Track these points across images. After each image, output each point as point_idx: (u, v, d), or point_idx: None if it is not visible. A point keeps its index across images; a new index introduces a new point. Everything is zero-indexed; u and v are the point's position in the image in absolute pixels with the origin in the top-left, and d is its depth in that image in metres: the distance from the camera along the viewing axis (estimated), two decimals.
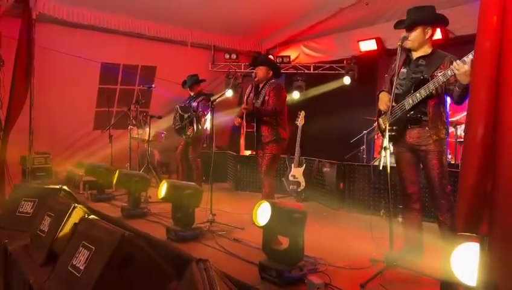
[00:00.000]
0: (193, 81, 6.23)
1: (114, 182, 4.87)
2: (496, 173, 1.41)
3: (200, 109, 5.96)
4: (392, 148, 3.03)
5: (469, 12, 3.14)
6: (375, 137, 7.02)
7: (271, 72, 4.56)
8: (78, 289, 2.33)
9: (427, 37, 3.13)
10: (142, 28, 7.06)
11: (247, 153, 7.41)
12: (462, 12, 3.34)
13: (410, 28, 3.12)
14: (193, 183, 4.22)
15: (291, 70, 8.21)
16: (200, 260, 1.98)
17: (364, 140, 6.99)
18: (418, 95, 3.05)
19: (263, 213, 2.74)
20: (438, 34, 4.70)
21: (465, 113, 5.42)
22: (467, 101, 3.08)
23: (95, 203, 5.31)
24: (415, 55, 3.23)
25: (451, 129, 5.62)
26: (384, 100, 3.32)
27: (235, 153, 7.57)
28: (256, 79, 4.54)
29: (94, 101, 7.35)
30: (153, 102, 7.87)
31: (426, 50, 3.17)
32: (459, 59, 2.82)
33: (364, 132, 6.97)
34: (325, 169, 5.72)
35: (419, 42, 3.14)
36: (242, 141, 8.12)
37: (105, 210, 4.91)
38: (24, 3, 5.70)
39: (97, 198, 5.49)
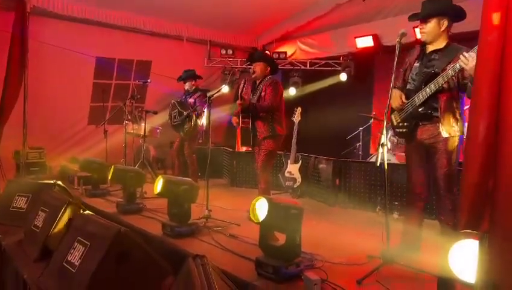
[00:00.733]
0: (189, 75, 6.19)
1: (109, 177, 4.83)
2: (497, 171, 1.40)
3: (198, 104, 5.93)
4: (389, 144, 2.99)
5: (472, 8, 3.09)
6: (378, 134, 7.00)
7: (269, 68, 4.53)
8: (73, 284, 2.30)
9: (442, 29, 3.00)
10: (137, 22, 7.01)
11: (243, 149, 7.39)
12: (465, 8, 3.32)
13: (424, 20, 3.01)
14: (189, 179, 4.20)
15: (288, 67, 8.20)
16: (197, 255, 1.97)
17: (360, 136, 7.00)
18: (427, 90, 2.95)
19: (260, 209, 2.73)
20: None
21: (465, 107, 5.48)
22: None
23: (89, 199, 5.27)
24: (429, 48, 3.11)
25: None
26: (395, 96, 3.19)
27: (231, 149, 7.55)
28: (253, 75, 4.51)
29: (89, 96, 7.31)
30: (148, 97, 7.83)
31: (441, 43, 3.05)
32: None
33: (360, 128, 6.98)
34: (321, 165, 5.71)
35: (434, 34, 3.02)
36: (238, 137, 8.11)
37: (100, 206, 4.88)
38: None
39: (92, 193, 5.45)
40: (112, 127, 6.83)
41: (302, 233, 2.76)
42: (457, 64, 2.75)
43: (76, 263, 2.38)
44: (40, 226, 3.16)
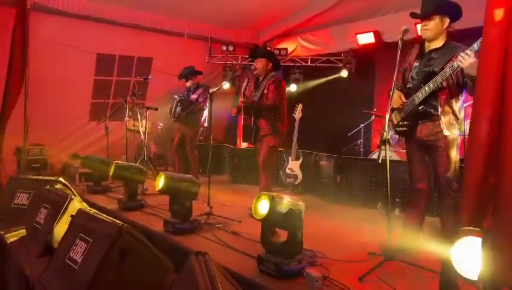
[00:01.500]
0: (189, 72, 6.18)
1: (110, 174, 4.83)
2: (500, 168, 1.40)
3: (201, 100, 5.93)
4: (391, 141, 2.99)
5: (471, 5, 3.09)
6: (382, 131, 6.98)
7: (270, 64, 4.51)
8: (76, 281, 2.31)
9: (444, 26, 3.03)
10: (138, 18, 6.99)
11: (244, 145, 7.39)
12: (463, 5, 3.31)
13: (428, 17, 3.02)
14: (190, 175, 4.20)
15: (289, 63, 8.18)
16: (199, 252, 1.96)
17: (362, 133, 6.99)
18: (426, 88, 2.98)
19: (261, 206, 2.73)
20: None
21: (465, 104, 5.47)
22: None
23: (91, 195, 5.29)
24: (429, 47, 3.14)
25: None
26: (395, 97, 3.21)
27: (232, 146, 7.55)
28: (255, 72, 4.50)
29: (90, 93, 7.30)
30: (149, 94, 7.82)
31: (440, 42, 3.08)
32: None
33: (362, 125, 6.97)
34: (322, 162, 5.71)
35: (437, 31, 3.04)
36: (239, 134, 8.11)
37: (102, 202, 4.89)
38: None
39: (93, 190, 5.47)
40: (113, 123, 6.82)
41: (303, 230, 2.76)
42: (455, 63, 2.78)
43: (79, 260, 2.38)
44: (42, 223, 3.16)
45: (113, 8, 6.64)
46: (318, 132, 7.82)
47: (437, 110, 3.02)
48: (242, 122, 4.53)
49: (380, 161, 2.87)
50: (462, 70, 2.81)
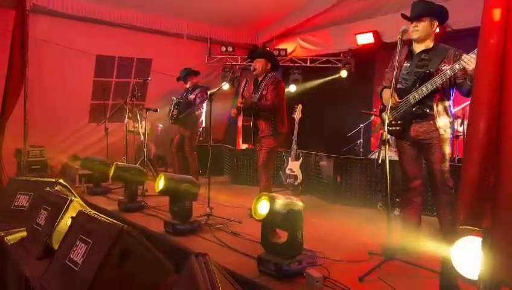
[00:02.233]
0: (186, 73, 6.19)
1: (110, 175, 4.84)
2: (499, 167, 1.40)
3: (199, 100, 5.94)
4: (390, 141, 3.00)
5: (467, 5, 3.12)
6: (380, 131, 6.99)
7: (269, 65, 4.51)
8: (76, 282, 2.31)
9: (433, 28, 3.12)
10: (137, 20, 6.98)
11: (244, 146, 7.39)
12: (460, 5, 3.32)
13: (418, 19, 3.09)
14: (191, 176, 4.20)
15: (288, 64, 8.18)
16: (199, 253, 1.97)
17: (361, 134, 6.99)
18: (424, 89, 3.03)
19: (262, 206, 2.73)
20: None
21: (460, 107, 5.48)
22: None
23: (91, 197, 5.29)
24: (418, 49, 3.20)
25: None
26: (387, 97, 3.23)
27: (231, 147, 7.55)
28: (254, 72, 4.50)
29: (89, 94, 7.30)
30: (148, 95, 7.82)
31: (429, 44, 3.16)
32: (460, 52, 2.83)
33: (361, 125, 6.97)
34: (321, 162, 5.72)
35: (426, 33, 3.11)
36: (239, 135, 8.12)
37: (102, 203, 4.89)
38: None
39: (93, 191, 5.47)
40: (113, 125, 6.82)
41: (303, 230, 2.77)
42: (457, 65, 2.84)
43: (79, 261, 2.38)
44: (42, 224, 3.17)
45: (113, 10, 6.64)
46: (318, 133, 7.83)
47: (433, 110, 3.08)
48: (242, 124, 4.52)
49: (379, 161, 2.87)
50: (459, 71, 2.88)
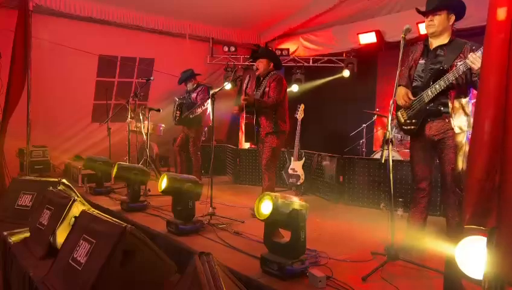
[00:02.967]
0: (187, 76, 6.21)
1: (113, 175, 4.84)
2: (504, 166, 1.39)
3: (201, 98, 5.94)
4: (394, 141, 2.97)
5: (469, 5, 3.08)
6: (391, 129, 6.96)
7: (272, 65, 4.52)
8: (80, 282, 2.31)
9: (450, 23, 3.02)
10: (140, 20, 6.99)
11: (247, 146, 7.39)
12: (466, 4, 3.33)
13: (434, 12, 3.00)
14: (193, 176, 4.20)
15: (290, 63, 8.18)
16: (202, 253, 1.96)
17: (364, 133, 6.98)
18: (437, 86, 2.95)
19: (265, 206, 2.73)
20: None
21: None
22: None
23: (93, 197, 5.30)
24: (434, 44, 3.11)
25: None
26: (401, 94, 3.18)
27: (234, 147, 7.55)
28: (257, 72, 4.51)
29: (92, 94, 7.32)
30: (151, 95, 7.84)
31: (445, 39, 3.06)
32: (478, 46, 2.74)
33: (364, 125, 6.96)
34: (324, 162, 5.71)
35: (443, 27, 3.02)
36: (241, 135, 8.11)
37: (105, 203, 4.90)
38: None
39: (96, 191, 5.48)
40: (115, 124, 6.84)
41: (306, 230, 2.76)
42: (463, 65, 2.78)
43: (82, 261, 2.38)
44: (46, 224, 3.17)
45: (115, 10, 6.65)
46: (320, 132, 7.83)
47: (447, 107, 3.00)
48: (244, 121, 4.51)
49: (383, 161, 2.85)
50: (472, 68, 2.80)
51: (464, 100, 3.03)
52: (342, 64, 7.73)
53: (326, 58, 7.96)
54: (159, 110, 6.32)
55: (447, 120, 3.01)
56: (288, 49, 8.10)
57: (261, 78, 4.53)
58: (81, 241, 2.50)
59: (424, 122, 3.10)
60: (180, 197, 3.80)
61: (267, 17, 7.84)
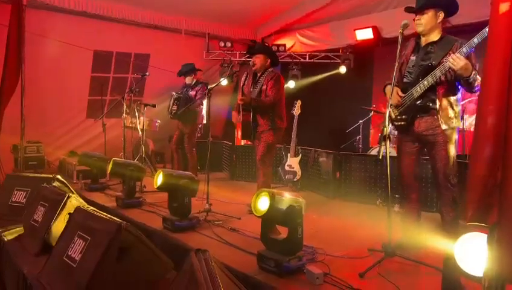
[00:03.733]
0: (189, 69, 6.15)
1: (108, 171, 4.80)
2: (506, 162, 1.38)
3: (199, 97, 5.90)
4: (391, 137, 2.96)
5: (466, 1, 3.08)
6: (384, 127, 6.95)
7: (269, 61, 4.48)
8: (74, 279, 2.28)
9: (438, 21, 3.04)
10: (135, 15, 6.94)
11: (243, 142, 7.37)
12: (459, 1, 3.31)
13: (421, 11, 3.02)
14: (189, 172, 4.18)
15: (287, 59, 8.15)
16: (199, 250, 1.94)
17: (360, 129, 6.97)
18: (425, 82, 2.98)
19: (262, 203, 2.71)
20: None
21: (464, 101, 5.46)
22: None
23: (89, 193, 5.26)
24: (425, 41, 3.14)
25: None
26: (389, 93, 3.17)
27: (230, 143, 7.52)
28: (254, 68, 4.46)
29: (87, 90, 7.26)
30: (146, 90, 7.78)
31: (436, 36, 3.09)
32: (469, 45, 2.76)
33: (360, 121, 6.96)
34: (321, 159, 5.69)
35: (431, 26, 3.04)
36: (238, 131, 8.08)
37: (100, 200, 4.86)
38: None
39: (91, 187, 5.43)
40: (111, 120, 6.79)
41: (303, 226, 2.75)
42: (446, 64, 2.83)
43: (77, 258, 2.36)
44: (40, 220, 3.14)
45: (110, 4, 6.59)
46: (317, 128, 7.81)
47: (435, 104, 3.03)
48: (241, 119, 4.48)
49: (380, 157, 2.85)
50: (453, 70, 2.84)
51: (452, 98, 3.07)
52: (339, 60, 7.72)
53: (323, 54, 7.95)
54: (154, 106, 6.26)
55: (435, 116, 3.04)
56: (284, 45, 8.07)
57: (258, 75, 4.49)
58: (76, 238, 2.47)
59: (413, 118, 3.12)
60: (176, 193, 3.77)
61: (263, 12, 7.81)
